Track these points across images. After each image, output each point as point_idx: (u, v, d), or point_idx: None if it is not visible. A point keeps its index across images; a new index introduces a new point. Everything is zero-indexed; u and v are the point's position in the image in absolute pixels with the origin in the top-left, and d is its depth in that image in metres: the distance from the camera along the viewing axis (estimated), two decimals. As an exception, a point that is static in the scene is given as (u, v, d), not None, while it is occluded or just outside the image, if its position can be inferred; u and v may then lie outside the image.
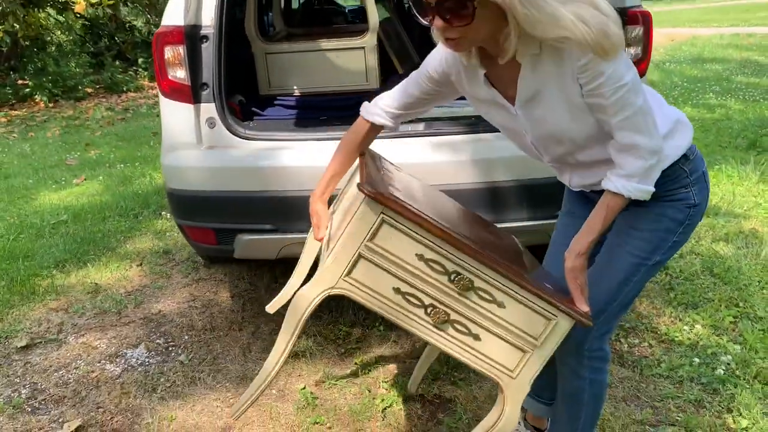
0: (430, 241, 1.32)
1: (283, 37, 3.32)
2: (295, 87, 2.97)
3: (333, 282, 1.35)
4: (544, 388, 1.85)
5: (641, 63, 2.36)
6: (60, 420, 2.12)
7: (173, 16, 2.26)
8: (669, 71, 9.79)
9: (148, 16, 11.20)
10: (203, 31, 2.29)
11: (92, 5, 8.38)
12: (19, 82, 9.53)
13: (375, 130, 1.66)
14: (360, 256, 1.33)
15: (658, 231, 1.48)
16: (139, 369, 2.39)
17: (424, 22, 1.30)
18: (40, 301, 2.94)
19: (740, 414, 2.08)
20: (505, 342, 1.38)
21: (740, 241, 3.40)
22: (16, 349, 2.55)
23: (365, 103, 1.66)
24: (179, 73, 2.28)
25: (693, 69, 9.89)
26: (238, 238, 2.31)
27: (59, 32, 10.43)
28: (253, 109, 2.66)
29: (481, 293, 1.35)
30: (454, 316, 1.37)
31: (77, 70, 9.85)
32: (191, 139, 2.30)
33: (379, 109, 1.62)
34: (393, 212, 1.30)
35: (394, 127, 1.67)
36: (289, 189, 2.24)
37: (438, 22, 1.25)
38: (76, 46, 10.91)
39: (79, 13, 8.75)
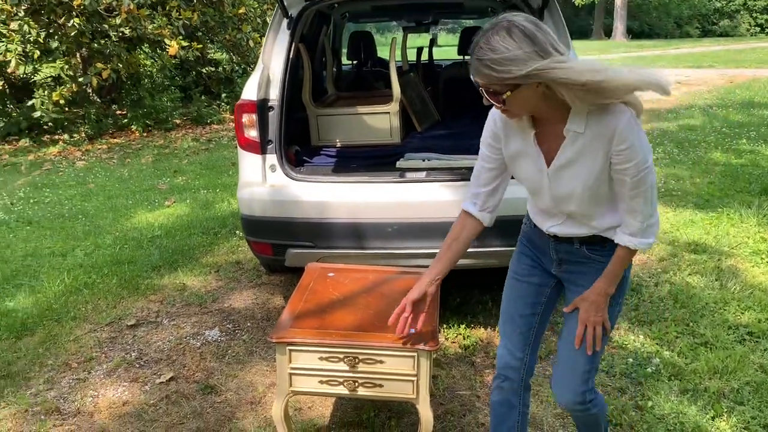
0: (323, 348, 2.12)
1: (333, 101, 4.24)
2: (337, 140, 3.88)
3: (285, 391, 2.18)
4: None
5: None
6: (158, 373, 3.03)
7: (249, 92, 3.18)
8: (713, 116, 10.00)
9: (231, 54, 12.46)
10: (270, 103, 3.20)
11: (183, 48, 9.60)
12: (118, 113, 10.86)
13: (471, 223, 1.92)
14: (290, 374, 2.17)
15: (616, 297, 1.85)
16: (213, 344, 3.29)
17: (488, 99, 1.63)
18: (142, 295, 3.91)
19: (650, 399, 2.77)
20: (398, 381, 2.11)
21: (714, 275, 3.99)
22: (127, 326, 3.51)
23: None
24: (252, 133, 3.19)
25: (738, 114, 9.93)
26: (288, 251, 3.18)
27: (154, 69, 11.77)
28: (304, 158, 3.58)
29: (367, 361, 2.09)
30: (360, 380, 2.11)
31: (168, 103, 11.10)
32: (258, 179, 3.21)
33: (470, 194, 1.91)
34: (294, 345, 2.14)
35: (484, 218, 1.92)
36: (324, 217, 3.10)
37: (486, 100, 1.62)
38: (167, 80, 12.28)
39: (172, 55, 9.97)
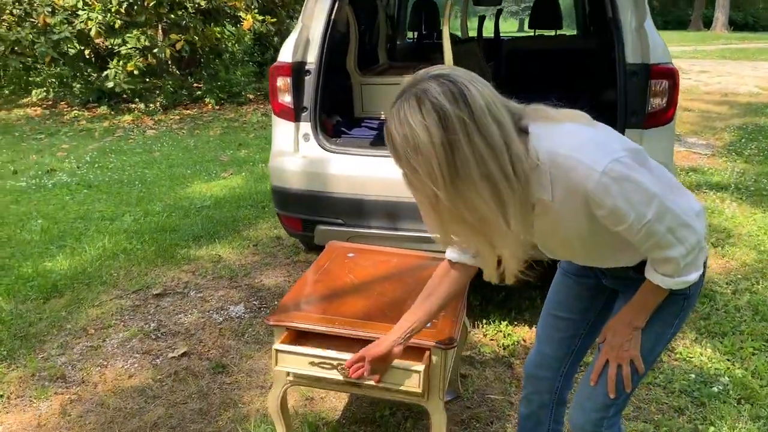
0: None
1: (382, 71, 3.95)
2: (381, 112, 3.60)
3: (283, 380, 1.93)
4: None
5: (667, 111, 2.71)
6: (172, 347, 2.87)
7: (285, 54, 2.95)
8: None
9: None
10: (307, 66, 2.96)
11: (257, 22, 9.54)
12: (194, 85, 10.96)
13: (457, 273, 1.59)
14: (276, 351, 1.85)
15: (656, 327, 1.49)
16: (236, 320, 3.11)
17: None
18: (175, 264, 3.78)
19: (711, 423, 2.38)
20: (402, 373, 1.75)
21: (803, 288, 3.51)
22: (152, 295, 3.38)
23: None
24: (286, 98, 2.96)
25: None
26: (317, 227, 2.95)
27: (231, 43, 11.83)
28: (343, 129, 3.32)
29: None
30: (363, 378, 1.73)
31: (242, 78, 11.13)
32: (290, 149, 2.98)
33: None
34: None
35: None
36: (355, 193, 2.84)
37: None
38: (246, 56, 12.31)
39: (247, 29, 9.95)
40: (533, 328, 3.02)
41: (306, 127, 2.96)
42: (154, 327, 3.05)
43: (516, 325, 3.06)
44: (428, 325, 1.73)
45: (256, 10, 10.13)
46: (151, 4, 9.16)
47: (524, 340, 2.94)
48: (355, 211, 2.85)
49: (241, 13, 10.04)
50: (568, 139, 1.28)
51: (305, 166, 2.94)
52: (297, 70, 2.94)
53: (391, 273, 2.26)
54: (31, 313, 3.19)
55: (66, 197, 5.31)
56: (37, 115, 9.74)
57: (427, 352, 1.79)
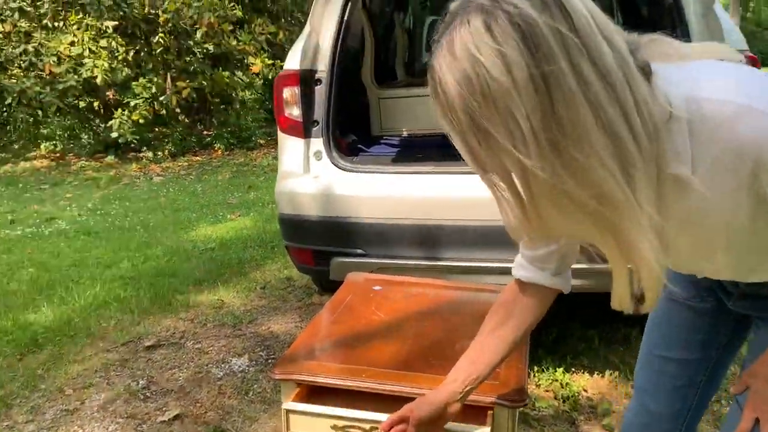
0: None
1: (403, 86, 3.55)
2: (403, 129, 3.18)
3: None
4: None
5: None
6: (163, 408, 2.39)
7: (292, 61, 2.55)
8: None
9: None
10: (318, 75, 2.56)
11: (266, 66, 9.30)
12: (204, 132, 10.72)
13: (533, 298, 1.14)
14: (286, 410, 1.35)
15: None
16: (239, 375, 2.63)
17: None
18: (172, 312, 3.32)
19: None
20: None
21: None
22: (144, 348, 2.91)
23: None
24: (294, 111, 2.56)
25: None
26: (333, 260, 2.50)
27: (241, 90, 11.64)
28: (359, 146, 2.89)
29: None
30: None
31: (253, 123, 10.89)
32: (300, 169, 2.56)
33: (529, 255, 1.12)
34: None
35: (562, 284, 1.14)
36: (379, 217, 2.40)
37: None
38: (257, 103, 12.09)
39: (256, 73, 9.71)
40: (594, 376, 2.51)
41: (318, 143, 2.54)
42: (143, 385, 2.58)
43: (574, 372, 2.55)
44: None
45: (265, 55, 9.91)
46: (159, 50, 8.96)
47: (585, 391, 2.43)
48: (379, 239, 2.40)
49: (251, 58, 9.82)
50: (720, 80, 0.83)
51: (318, 188, 2.51)
52: (306, 79, 2.54)
53: (431, 309, 1.79)
54: (3, 371, 2.73)
55: (62, 244, 4.91)
56: (44, 167, 9.47)
57: (490, 412, 1.31)
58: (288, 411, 1.38)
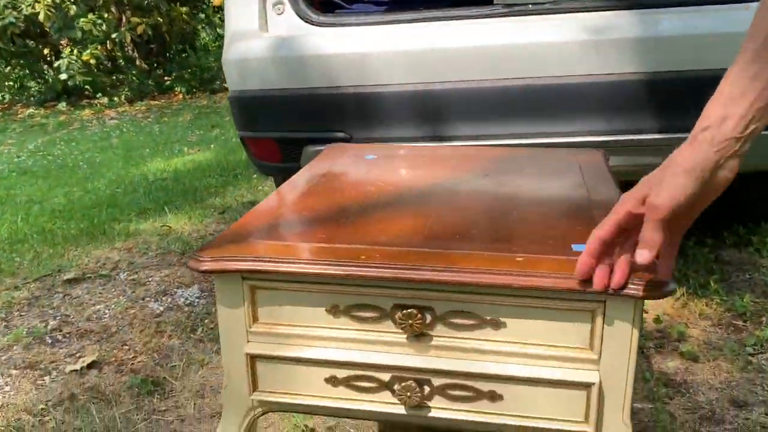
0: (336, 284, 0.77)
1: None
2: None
3: (245, 407, 0.83)
4: None
5: None
6: (77, 354, 1.74)
7: None
8: None
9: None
10: None
11: None
12: (163, 77, 9.89)
13: None
14: (250, 357, 0.80)
15: None
16: (185, 309, 1.97)
17: None
18: (107, 242, 2.64)
19: None
20: (542, 384, 0.73)
21: None
22: (62, 282, 2.23)
23: None
24: (245, -53, 1.86)
25: None
26: (306, 149, 1.83)
27: (201, 28, 10.77)
28: (339, 1, 2.19)
29: (455, 321, 0.74)
30: (437, 380, 0.76)
31: (215, 63, 10.09)
32: (255, 25, 1.87)
33: None
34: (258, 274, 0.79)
35: None
36: (367, 84, 1.74)
37: None
38: (217, 40, 11.20)
39: (217, 6, 8.90)
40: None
41: (278, -10, 1.85)
42: (54, 326, 1.91)
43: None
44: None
45: (227, -14, 9.05)
46: (108, -19, 8.08)
47: (647, 312, 1.83)
48: (368, 114, 1.74)
49: (211, -10, 8.97)
50: None
51: (280, 50, 1.82)
52: None
53: (459, 174, 1.14)
54: None
55: (-10, 184, 4.18)
56: (-13, 117, 8.63)
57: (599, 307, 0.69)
58: (253, 357, 0.76)
